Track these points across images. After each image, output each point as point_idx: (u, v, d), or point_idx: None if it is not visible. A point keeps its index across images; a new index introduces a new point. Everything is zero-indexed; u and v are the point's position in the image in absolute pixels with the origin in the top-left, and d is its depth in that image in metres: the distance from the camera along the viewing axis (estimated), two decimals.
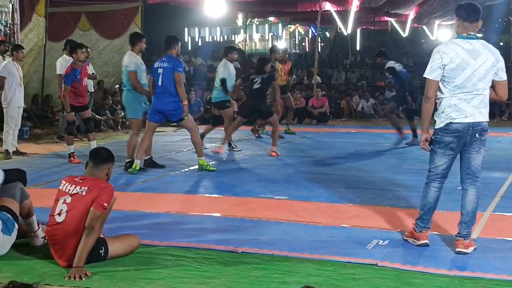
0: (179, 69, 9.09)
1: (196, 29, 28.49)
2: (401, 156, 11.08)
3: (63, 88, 10.29)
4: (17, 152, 10.99)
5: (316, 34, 23.82)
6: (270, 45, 30.29)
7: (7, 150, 10.80)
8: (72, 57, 10.66)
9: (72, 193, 4.99)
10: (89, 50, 13.38)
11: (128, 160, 9.47)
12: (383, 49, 13.61)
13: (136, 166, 9.18)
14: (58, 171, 9.60)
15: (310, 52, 30.37)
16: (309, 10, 22.06)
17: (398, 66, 12.22)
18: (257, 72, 11.27)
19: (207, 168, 9.42)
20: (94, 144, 10.13)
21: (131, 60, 9.55)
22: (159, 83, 9.09)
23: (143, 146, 9.32)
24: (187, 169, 9.82)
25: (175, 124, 10.98)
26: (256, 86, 11.06)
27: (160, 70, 9.12)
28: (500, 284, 4.62)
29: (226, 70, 11.41)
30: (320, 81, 20.65)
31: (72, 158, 10.33)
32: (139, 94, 9.57)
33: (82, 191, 4.97)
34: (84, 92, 10.65)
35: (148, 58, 20.43)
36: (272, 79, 11.46)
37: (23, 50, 11.44)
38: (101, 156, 5.19)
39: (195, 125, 9.54)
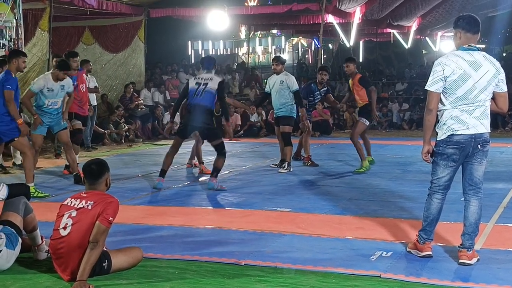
0: (8, 86, 8.26)
1: (200, 42, 28.58)
2: (404, 168, 11.08)
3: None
4: (20, 166, 11.02)
5: (319, 46, 23.90)
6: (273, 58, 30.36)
7: (14, 163, 10.88)
8: None
9: (78, 207, 5.02)
10: (91, 63, 13.44)
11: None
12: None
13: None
14: (61, 185, 9.61)
15: (313, 64, 30.44)
16: (311, 22, 22.11)
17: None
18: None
19: (36, 195, 8.37)
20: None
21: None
22: None
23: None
24: (190, 182, 9.84)
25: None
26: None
27: None
28: None
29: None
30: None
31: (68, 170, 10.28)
32: (41, 111, 9.28)
33: (88, 205, 4.99)
34: (85, 100, 10.66)
35: (152, 71, 20.56)
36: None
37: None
38: (93, 173, 5.20)
39: (29, 147, 8.65)
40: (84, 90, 11.00)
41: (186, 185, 9.64)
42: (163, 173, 9.30)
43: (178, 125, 9.62)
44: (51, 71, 9.58)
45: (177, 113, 10.82)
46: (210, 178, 9.21)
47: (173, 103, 17.77)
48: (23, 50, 13.11)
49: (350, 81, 11.10)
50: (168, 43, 24.11)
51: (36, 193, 8.47)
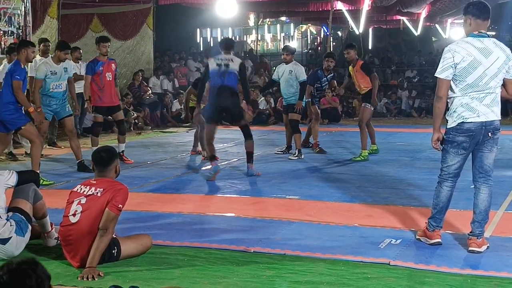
0: (17, 76, 8.27)
1: (208, 29, 28.49)
2: (413, 155, 11.05)
3: (84, 78, 10.26)
4: (29, 154, 11.05)
5: (328, 33, 23.80)
6: (282, 45, 30.29)
7: (26, 152, 10.94)
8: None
9: (87, 194, 5.02)
10: (81, 50, 13.31)
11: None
12: None
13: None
14: (71, 171, 9.64)
15: (322, 52, 30.32)
16: (320, 9, 22.03)
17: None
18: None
19: (41, 183, 8.02)
20: (122, 147, 10.33)
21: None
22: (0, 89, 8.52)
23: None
24: (196, 169, 9.84)
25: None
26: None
27: (4, 76, 8.64)
28: None
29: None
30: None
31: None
32: (47, 96, 9.43)
33: (97, 192, 5.00)
34: (109, 90, 10.20)
35: (161, 59, 20.55)
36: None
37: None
38: (102, 160, 5.20)
39: (37, 135, 8.65)
40: (110, 79, 10.21)
41: (193, 172, 9.64)
42: (213, 157, 8.99)
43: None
44: (51, 55, 9.68)
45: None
46: (248, 165, 9.21)
47: (181, 91, 17.80)
48: (32, 38, 13.15)
49: (351, 67, 11.07)
50: (177, 30, 24.03)
51: (42, 180, 8.47)
